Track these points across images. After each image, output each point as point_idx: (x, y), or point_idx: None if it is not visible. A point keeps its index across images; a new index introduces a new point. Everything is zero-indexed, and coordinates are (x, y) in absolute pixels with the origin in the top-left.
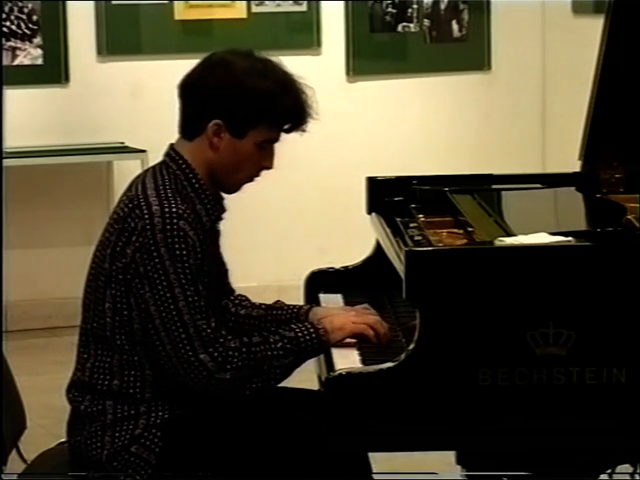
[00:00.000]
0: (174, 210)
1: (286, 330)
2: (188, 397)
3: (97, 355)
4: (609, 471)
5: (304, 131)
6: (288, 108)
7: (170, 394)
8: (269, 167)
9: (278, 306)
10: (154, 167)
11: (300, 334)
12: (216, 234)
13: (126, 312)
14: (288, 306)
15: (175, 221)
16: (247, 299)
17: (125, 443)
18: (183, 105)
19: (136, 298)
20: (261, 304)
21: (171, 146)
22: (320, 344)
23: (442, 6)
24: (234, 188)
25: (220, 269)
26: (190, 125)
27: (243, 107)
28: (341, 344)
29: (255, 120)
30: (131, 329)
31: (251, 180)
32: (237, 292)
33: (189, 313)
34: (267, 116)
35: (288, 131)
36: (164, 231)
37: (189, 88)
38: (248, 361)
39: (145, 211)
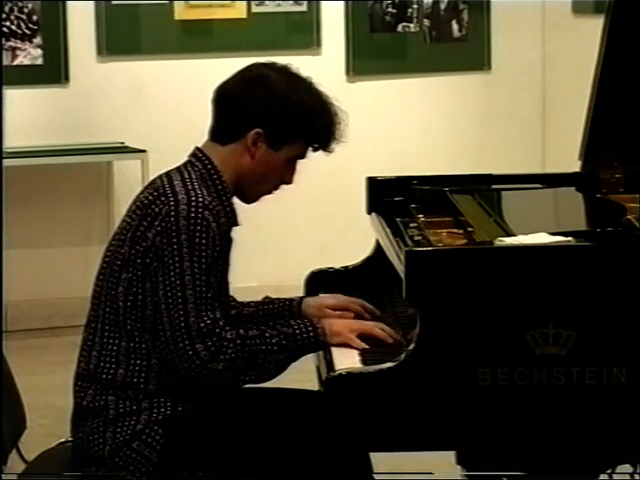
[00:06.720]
0: (200, 200)
1: (284, 326)
2: (190, 393)
3: (104, 343)
4: (609, 471)
5: (331, 152)
6: (325, 127)
7: (173, 389)
8: (289, 182)
9: (268, 301)
10: (178, 166)
11: (298, 331)
12: (229, 241)
13: (140, 297)
14: (279, 300)
15: (200, 210)
16: (234, 299)
17: (126, 439)
18: (221, 111)
19: (152, 282)
20: (250, 302)
21: (197, 147)
22: (317, 343)
23: (442, 6)
24: (254, 199)
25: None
26: (228, 130)
27: (286, 121)
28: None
29: (294, 135)
30: (143, 315)
31: (270, 193)
32: (237, 293)
33: (194, 302)
34: (306, 132)
35: (316, 149)
36: (188, 218)
37: (231, 97)
38: (242, 353)
39: (171, 198)
